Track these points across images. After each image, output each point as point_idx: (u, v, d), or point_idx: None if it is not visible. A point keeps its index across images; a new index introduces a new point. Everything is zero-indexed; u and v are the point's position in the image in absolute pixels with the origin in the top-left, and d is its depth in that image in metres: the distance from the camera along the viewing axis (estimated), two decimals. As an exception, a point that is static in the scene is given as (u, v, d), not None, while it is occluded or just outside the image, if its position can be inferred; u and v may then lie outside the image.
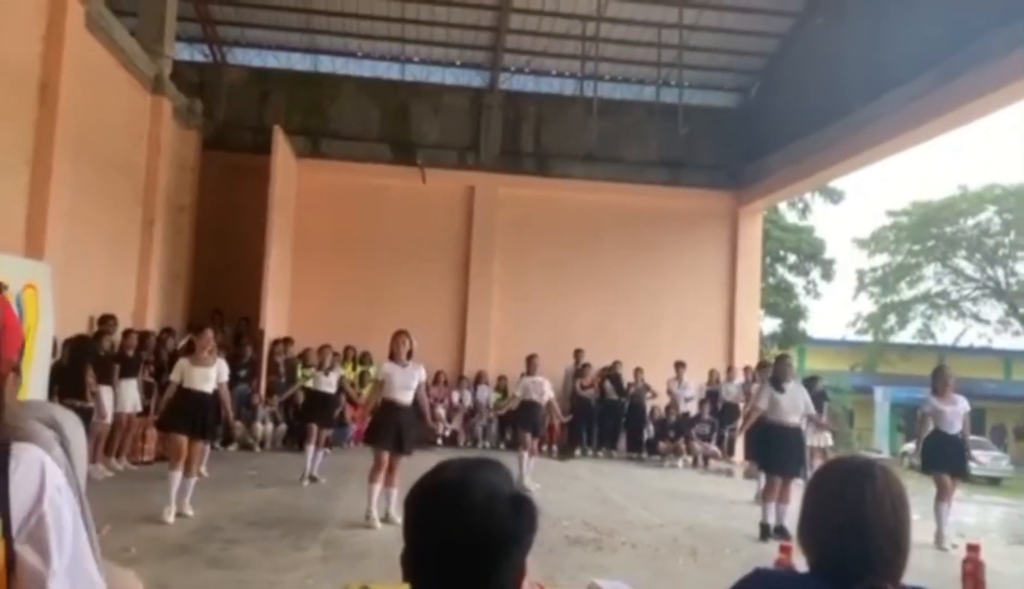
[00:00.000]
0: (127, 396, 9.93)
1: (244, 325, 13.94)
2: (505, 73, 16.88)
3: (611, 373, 15.08)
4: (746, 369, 14.23)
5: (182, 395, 7.49)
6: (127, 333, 10.44)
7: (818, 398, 13.07)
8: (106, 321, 10.21)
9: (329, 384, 10.29)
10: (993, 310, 30.47)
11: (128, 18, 12.39)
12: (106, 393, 9.48)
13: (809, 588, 1.54)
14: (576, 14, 15.15)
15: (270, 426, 12.76)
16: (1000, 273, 29.40)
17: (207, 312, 13.52)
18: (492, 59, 16.63)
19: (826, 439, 12.53)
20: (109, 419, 9.50)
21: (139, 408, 10.16)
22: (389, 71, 17.03)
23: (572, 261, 16.34)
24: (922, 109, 11.18)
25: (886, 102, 11.87)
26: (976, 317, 31.00)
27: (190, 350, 8.14)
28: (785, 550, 3.02)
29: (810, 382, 13.30)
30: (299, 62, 16.85)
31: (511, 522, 1.25)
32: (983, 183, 29.24)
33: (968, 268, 30.13)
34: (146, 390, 10.42)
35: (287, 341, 13.95)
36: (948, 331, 32.04)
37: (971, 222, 28.89)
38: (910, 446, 25.24)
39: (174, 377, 7.69)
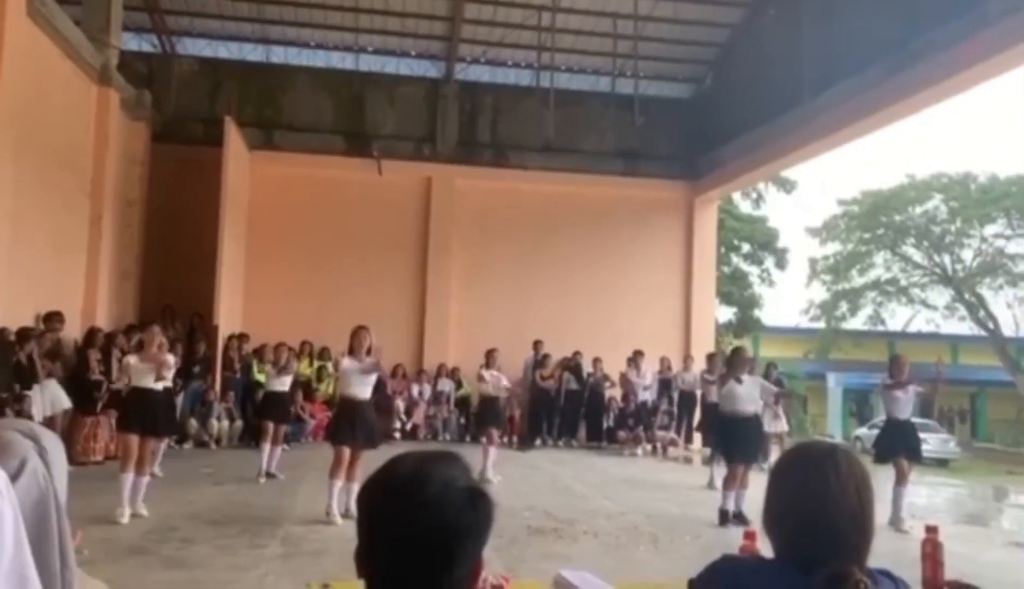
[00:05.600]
0: (51, 395, 9.65)
1: (197, 321, 13.67)
2: (461, 63, 16.76)
3: (571, 364, 15.12)
4: (708, 357, 14.36)
5: (132, 394, 7.40)
6: (45, 331, 10.13)
7: (775, 385, 13.28)
8: (52, 318, 9.94)
9: (283, 382, 10.15)
10: (940, 296, 31.19)
11: (72, 7, 12.04)
12: (37, 393, 9.22)
13: (775, 574, 1.53)
14: (531, 4, 15.08)
15: (226, 423, 12.58)
16: (947, 260, 30.06)
17: (159, 308, 13.26)
18: (447, 49, 16.51)
19: (782, 425, 12.75)
20: (39, 418, 9.21)
21: (66, 405, 9.80)
22: (343, 61, 16.81)
23: (530, 252, 16.34)
24: (872, 99, 11.39)
25: (837, 92, 12.05)
26: (924, 303, 31.71)
27: (140, 347, 8.00)
28: (750, 536, 3.03)
29: (766, 370, 13.53)
30: (251, 53, 16.54)
31: (466, 515, 1.23)
32: (930, 172, 29.90)
33: (916, 255, 30.75)
34: (96, 387, 10.16)
35: (242, 337, 13.76)
36: (898, 317, 32.79)
37: (919, 210, 29.46)
38: (862, 431, 25.85)
39: (122, 375, 7.61)
